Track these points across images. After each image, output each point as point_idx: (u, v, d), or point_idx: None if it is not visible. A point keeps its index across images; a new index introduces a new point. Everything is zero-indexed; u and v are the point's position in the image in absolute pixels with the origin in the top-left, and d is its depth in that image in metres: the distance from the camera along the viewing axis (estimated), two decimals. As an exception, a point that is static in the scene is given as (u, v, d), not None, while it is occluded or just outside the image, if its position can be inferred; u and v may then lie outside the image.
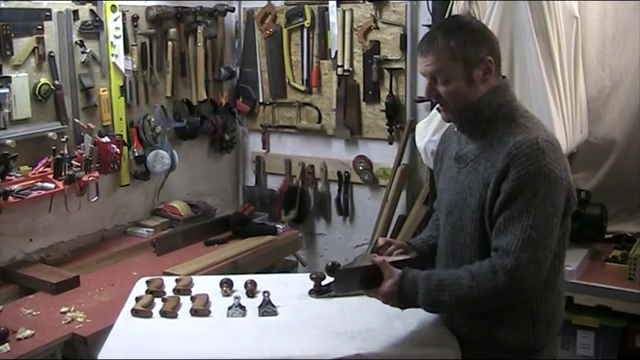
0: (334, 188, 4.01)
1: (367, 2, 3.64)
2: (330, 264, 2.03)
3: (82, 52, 3.20)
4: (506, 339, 1.77)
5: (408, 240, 2.12)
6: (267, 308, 2.00)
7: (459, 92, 1.75)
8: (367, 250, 1.91)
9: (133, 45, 3.46)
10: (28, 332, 2.40)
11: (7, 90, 2.83)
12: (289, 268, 3.81)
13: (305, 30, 3.87)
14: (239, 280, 2.20)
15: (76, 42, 3.16)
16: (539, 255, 1.65)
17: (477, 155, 1.78)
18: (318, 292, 2.11)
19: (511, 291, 1.66)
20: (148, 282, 2.24)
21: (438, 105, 1.82)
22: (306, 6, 3.83)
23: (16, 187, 2.85)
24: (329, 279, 2.14)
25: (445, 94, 1.76)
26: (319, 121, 3.97)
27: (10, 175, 2.86)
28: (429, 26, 3.39)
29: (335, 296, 2.08)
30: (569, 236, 1.82)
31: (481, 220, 1.74)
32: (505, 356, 1.79)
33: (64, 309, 2.61)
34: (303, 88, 3.97)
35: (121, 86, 3.39)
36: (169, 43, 3.65)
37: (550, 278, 1.75)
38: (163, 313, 2.01)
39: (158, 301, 2.10)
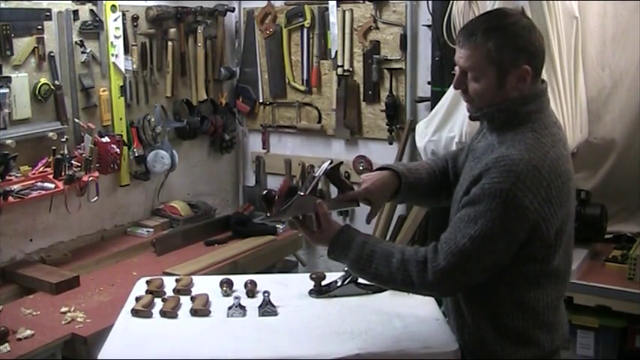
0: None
1: (367, 2, 3.64)
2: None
3: (82, 52, 3.20)
4: (495, 346, 1.74)
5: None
6: (267, 308, 2.00)
7: (486, 93, 1.69)
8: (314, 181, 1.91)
9: (133, 45, 3.46)
10: (28, 332, 2.40)
11: (7, 90, 2.83)
12: (289, 268, 3.81)
13: (305, 30, 3.87)
14: (239, 280, 2.20)
15: (76, 42, 3.16)
16: (470, 266, 1.63)
17: (482, 154, 1.75)
18: (318, 292, 2.11)
19: (432, 290, 1.72)
20: (148, 282, 2.23)
21: (463, 95, 1.76)
22: (306, 6, 3.83)
23: (16, 187, 2.85)
24: (329, 278, 2.14)
25: (473, 91, 1.71)
26: (319, 121, 3.97)
27: (10, 175, 2.86)
28: (429, 26, 3.40)
29: (335, 296, 2.08)
30: (555, 261, 1.69)
31: None
32: None
33: (64, 309, 2.62)
34: (303, 88, 3.97)
35: (121, 86, 3.39)
36: (169, 43, 3.65)
37: (519, 298, 1.69)
38: (163, 313, 2.01)
39: (158, 301, 2.09)
